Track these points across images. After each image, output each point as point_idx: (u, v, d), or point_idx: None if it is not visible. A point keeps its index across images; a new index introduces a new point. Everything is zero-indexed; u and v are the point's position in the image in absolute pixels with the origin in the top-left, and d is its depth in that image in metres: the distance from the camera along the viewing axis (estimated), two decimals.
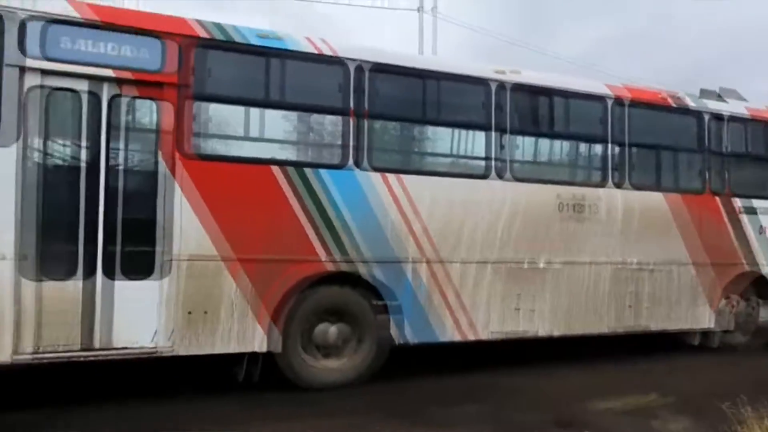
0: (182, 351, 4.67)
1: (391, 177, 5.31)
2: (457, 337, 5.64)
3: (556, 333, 6.06)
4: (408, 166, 5.88)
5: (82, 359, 4.47)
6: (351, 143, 5.18)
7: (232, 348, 4.81)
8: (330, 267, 5.13)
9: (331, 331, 5.21)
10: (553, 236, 6.00)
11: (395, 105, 5.55)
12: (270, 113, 5.23)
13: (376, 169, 5.25)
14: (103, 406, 4.56)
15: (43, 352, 4.35)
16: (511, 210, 5.80)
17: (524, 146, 6.27)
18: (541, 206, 5.95)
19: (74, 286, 4.39)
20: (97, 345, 4.49)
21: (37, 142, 4.32)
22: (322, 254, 5.07)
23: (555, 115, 6.30)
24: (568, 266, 6.08)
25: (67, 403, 4.58)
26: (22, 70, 4.18)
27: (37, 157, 4.33)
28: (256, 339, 4.85)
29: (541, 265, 5.94)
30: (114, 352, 4.54)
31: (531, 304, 5.91)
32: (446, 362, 5.99)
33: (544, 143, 6.57)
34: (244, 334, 4.81)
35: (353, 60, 5.18)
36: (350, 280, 5.24)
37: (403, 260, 5.39)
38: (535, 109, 6.19)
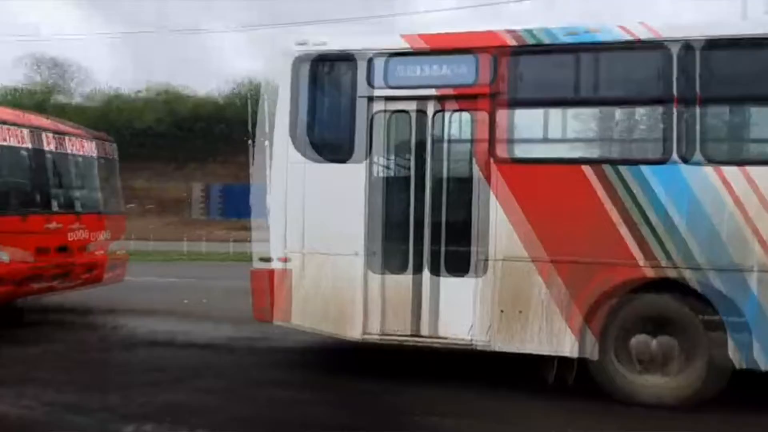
0: (496, 347, 4.91)
1: (729, 170, 4.49)
2: None
3: None
4: (755, 155, 4.88)
5: (412, 344, 5.14)
6: (675, 135, 4.60)
7: (543, 350, 4.82)
8: (650, 273, 4.65)
9: (650, 343, 4.72)
10: None
11: (736, 85, 4.70)
12: (581, 111, 5.09)
13: (710, 162, 4.54)
14: (424, 386, 5.08)
15: (385, 334, 5.18)
16: None
17: None
18: None
19: (407, 279, 5.10)
20: (424, 333, 5.11)
21: (378, 158, 5.21)
22: (640, 258, 4.64)
23: None
24: None
25: (392, 379, 5.28)
26: (370, 99, 5.09)
27: (378, 170, 5.22)
28: (567, 343, 4.75)
29: None
30: (437, 340, 5.09)
31: None
32: None
33: None
34: (555, 337, 4.77)
35: (677, 40, 4.59)
36: (675, 288, 4.65)
37: (747, 269, 4.48)
38: None
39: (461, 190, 5.08)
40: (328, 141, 5.39)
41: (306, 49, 5.18)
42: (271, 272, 5.30)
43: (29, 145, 7.07)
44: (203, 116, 35.51)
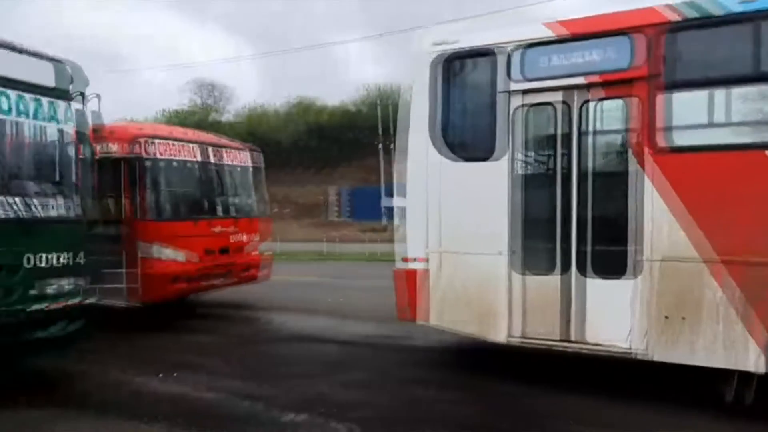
0: (657, 356, 4.45)
1: None
2: None
3: None
4: None
5: (560, 349, 4.85)
6: None
7: (717, 362, 4.26)
8: None
9: None
10: None
11: None
12: (758, 90, 4.38)
13: None
14: (569, 391, 4.81)
15: (528, 338, 4.96)
16: None
17: None
18: None
19: (552, 281, 4.83)
20: (572, 338, 4.80)
21: (520, 155, 5.01)
22: None
23: None
24: None
25: (533, 382, 5.06)
26: (510, 93, 4.91)
27: (521, 167, 5.02)
28: (749, 356, 4.14)
29: None
30: (587, 346, 4.74)
31: None
32: None
33: None
34: (732, 348, 4.18)
35: None
36: None
37: None
38: None
39: (612, 184, 4.69)
40: (468, 139, 5.31)
41: (442, 48, 5.14)
42: (410, 272, 5.36)
43: (198, 159, 8.04)
44: (335, 124, 37.57)
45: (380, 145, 30.55)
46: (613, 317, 4.61)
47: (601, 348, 4.69)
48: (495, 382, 5.14)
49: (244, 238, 8.59)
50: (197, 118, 38.43)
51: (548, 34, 4.79)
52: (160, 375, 5.52)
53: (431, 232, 5.25)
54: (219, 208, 8.31)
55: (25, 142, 4.89)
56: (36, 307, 4.71)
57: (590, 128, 4.75)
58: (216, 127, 29.04)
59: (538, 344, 4.93)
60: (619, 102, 4.63)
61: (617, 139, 4.75)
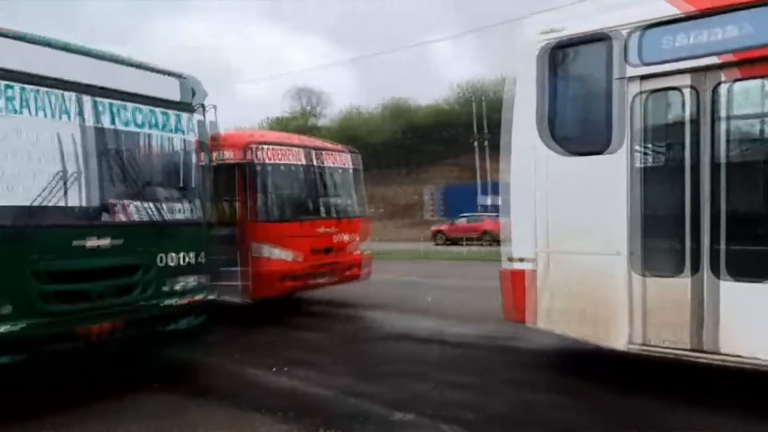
0: None
1: None
2: None
3: None
4: None
5: (691, 360, 4.40)
6: None
7: None
8: None
9: None
10: None
11: None
12: None
13: None
14: (692, 404, 4.39)
15: (651, 345, 4.55)
16: None
17: None
18: None
19: (680, 283, 4.39)
20: (704, 347, 4.33)
21: (640, 146, 4.61)
22: None
23: None
24: None
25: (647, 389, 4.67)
26: (629, 80, 4.53)
27: (639, 159, 4.61)
28: None
29: None
30: (723, 357, 4.25)
31: None
32: None
33: None
34: None
35: None
36: None
37: None
38: None
39: (752, 175, 4.19)
40: (580, 132, 5.00)
41: (548, 37, 4.87)
42: (516, 273, 5.16)
43: (303, 162, 8.39)
44: (429, 123, 37.62)
45: (476, 143, 30.05)
46: (756, 325, 4.09)
47: (743, 360, 4.18)
48: (608, 389, 4.79)
49: (346, 237, 8.81)
50: (297, 124, 40.36)
51: (672, 11, 4.33)
52: (273, 369, 5.80)
53: (539, 231, 5.00)
54: (322, 209, 8.59)
55: (155, 152, 5.37)
56: (167, 302, 5.15)
57: (724, 113, 4.23)
58: (314, 132, 30.27)
59: (664, 353, 4.51)
60: (760, 82, 4.10)
61: (757, 124, 4.21)
